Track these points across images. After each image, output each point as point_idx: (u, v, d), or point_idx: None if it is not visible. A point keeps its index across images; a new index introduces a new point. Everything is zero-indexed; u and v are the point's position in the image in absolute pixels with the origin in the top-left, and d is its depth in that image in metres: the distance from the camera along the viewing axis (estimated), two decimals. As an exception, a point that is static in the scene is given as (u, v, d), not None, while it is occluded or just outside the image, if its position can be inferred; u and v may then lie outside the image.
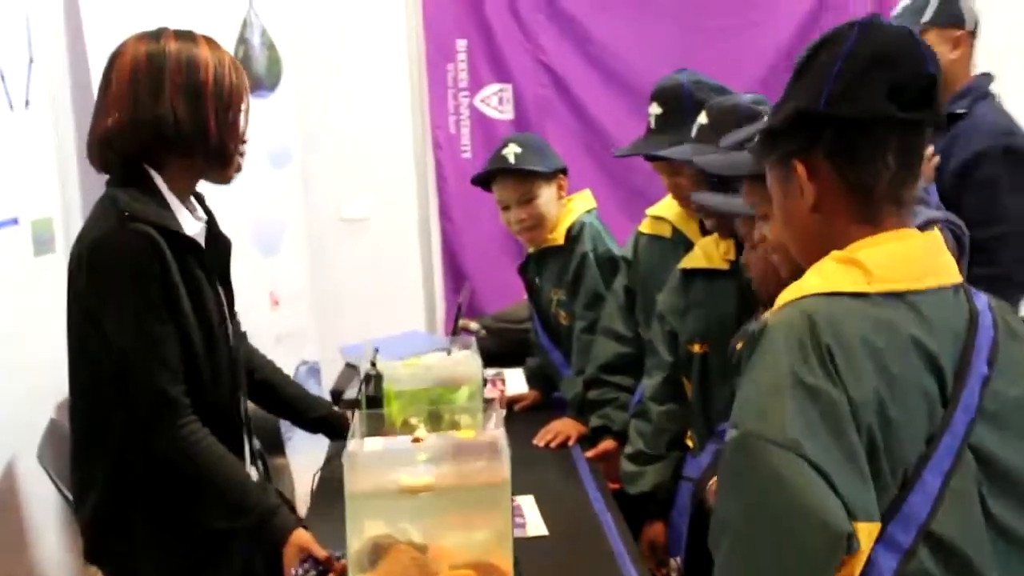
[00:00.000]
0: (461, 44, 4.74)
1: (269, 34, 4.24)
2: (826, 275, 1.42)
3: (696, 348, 2.51)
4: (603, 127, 4.75)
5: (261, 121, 4.04)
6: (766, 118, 1.59)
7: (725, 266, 2.48)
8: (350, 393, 3.15)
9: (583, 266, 3.10)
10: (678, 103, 2.71)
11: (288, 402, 2.52)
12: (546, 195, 3.13)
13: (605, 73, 4.75)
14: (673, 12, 4.70)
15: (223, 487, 2.04)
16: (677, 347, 2.60)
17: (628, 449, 2.71)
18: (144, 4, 3.22)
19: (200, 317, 2.06)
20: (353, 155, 4.69)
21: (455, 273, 4.83)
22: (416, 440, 2.01)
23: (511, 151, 3.09)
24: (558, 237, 3.16)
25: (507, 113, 4.79)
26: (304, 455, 3.29)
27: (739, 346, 1.44)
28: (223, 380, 2.13)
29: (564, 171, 3.18)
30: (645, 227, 2.94)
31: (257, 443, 2.30)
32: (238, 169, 2.15)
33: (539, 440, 2.96)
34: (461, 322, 3.75)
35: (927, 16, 2.84)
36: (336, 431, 2.53)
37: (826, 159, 1.45)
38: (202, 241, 2.13)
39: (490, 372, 3.12)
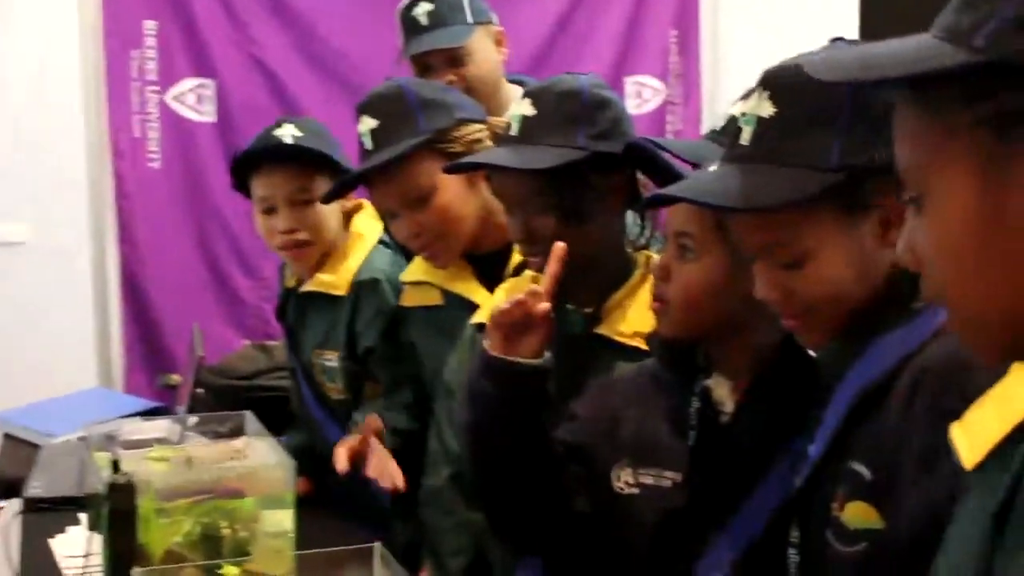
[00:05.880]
0: (150, 26, 3.90)
1: None
2: None
3: None
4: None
5: None
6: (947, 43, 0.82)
7: None
8: (38, 488, 2.30)
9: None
10: (400, 106, 2.03)
11: None
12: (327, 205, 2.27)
13: (329, 75, 4.06)
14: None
15: None
16: None
17: None
18: None
19: None
20: (5, 162, 3.83)
21: (138, 313, 3.97)
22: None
23: (288, 132, 2.26)
24: (339, 283, 2.28)
25: (208, 115, 4.00)
26: None
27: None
28: None
29: (353, 182, 2.22)
30: (407, 301, 2.16)
31: None
32: None
33: None
34: (161, 378, 2.87)
35: None
36: None
37: None
38: None
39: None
